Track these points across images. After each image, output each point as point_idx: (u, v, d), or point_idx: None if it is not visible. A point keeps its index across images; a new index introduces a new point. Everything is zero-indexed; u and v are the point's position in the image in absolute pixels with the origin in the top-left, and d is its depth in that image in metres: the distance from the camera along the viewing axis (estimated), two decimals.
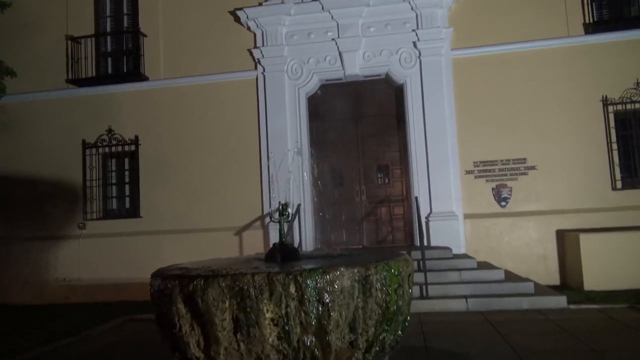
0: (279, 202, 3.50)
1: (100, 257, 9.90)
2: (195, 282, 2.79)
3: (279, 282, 2.66)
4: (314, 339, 2.68)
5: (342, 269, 2.73)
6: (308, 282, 2.66)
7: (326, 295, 2.66)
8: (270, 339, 2.69)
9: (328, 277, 2.68)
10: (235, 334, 2.75)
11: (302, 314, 2.67)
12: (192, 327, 2.88)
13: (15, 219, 10.39)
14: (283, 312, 2.68)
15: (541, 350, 4.83)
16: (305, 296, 2.65)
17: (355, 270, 2.77)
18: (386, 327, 2.92)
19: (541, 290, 7.32)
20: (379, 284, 2.83)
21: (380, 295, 2.84)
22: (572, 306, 6.75)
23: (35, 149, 10.48)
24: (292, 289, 2.66)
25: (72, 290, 9.88)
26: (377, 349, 2.93)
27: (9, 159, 10.55)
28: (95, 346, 5.97)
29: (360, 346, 2.81)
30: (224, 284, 2.71)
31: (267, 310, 2.68)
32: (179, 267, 3.41)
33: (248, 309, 2.69)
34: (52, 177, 10.37)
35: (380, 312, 2.85)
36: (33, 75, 10.50)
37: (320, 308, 2.67)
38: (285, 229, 3.61)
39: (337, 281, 2.69)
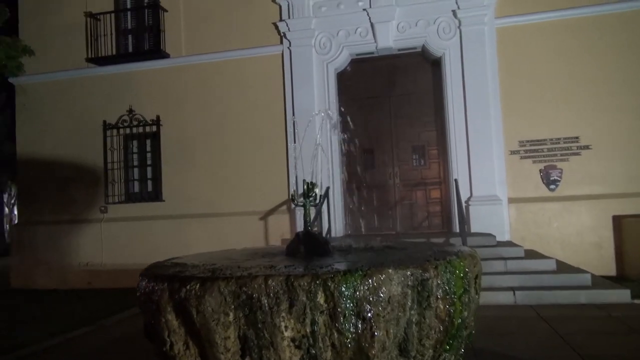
0: (304, 181, 2.80)
1: (122, 241, 9.65)
2: (188, 287, 2.08)
3: (302, 288, 1.94)
4: None
5: (389, 271, 2.00)
6: (343, 289, 1.94)
7: (368, 307, 1.95)
8: None
9: (370, 282, 1.95)
10: (243, 358, 2.07)
11: (335, 333, 1.96)
12: (187, 346, 2.19)
13: (38, 202, 10.25)
14: (308, 330, 1.98)
15: (612, 357, 4.13)
16: (339, 309, 1.93)
17: (408, 273, 2.03)
18: (447, 347, 2.21)
19: (599, 282, 6.56)
20: (440, 290, 2.08)
21: (441, 306, 2.10)
22: (636, 301, 5.99)
23: (56, 130, 10.22)
24: (321, 299, 1.94)
25: (94, 275, 9.67)
26: None
27: (30, 141, 10.37)
28: (109, 337, 5.67)
29: None
30: (226, 290, 2.01)
31: (286, 327, 1.99)
32: (175, 262, 2.72)
33: (259, 325, 2.01)
34: (73, 159, 10.08)
35: (441, 328, 2.12)
36: (52, 54, 10.28)
37: (359, 325, 1.95)
38: (312, 215, 2.95)
39: (383, 287, 1.96)
